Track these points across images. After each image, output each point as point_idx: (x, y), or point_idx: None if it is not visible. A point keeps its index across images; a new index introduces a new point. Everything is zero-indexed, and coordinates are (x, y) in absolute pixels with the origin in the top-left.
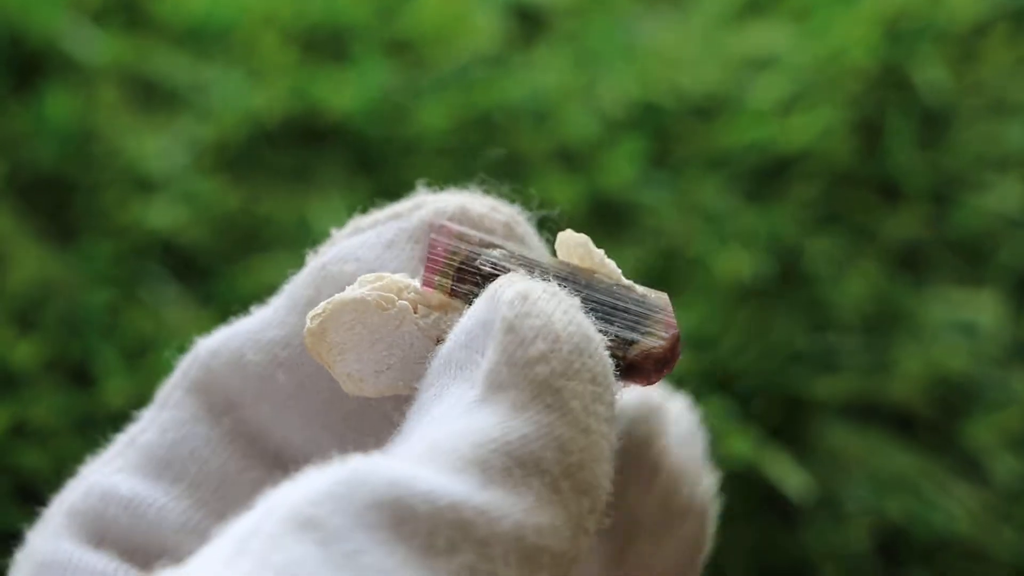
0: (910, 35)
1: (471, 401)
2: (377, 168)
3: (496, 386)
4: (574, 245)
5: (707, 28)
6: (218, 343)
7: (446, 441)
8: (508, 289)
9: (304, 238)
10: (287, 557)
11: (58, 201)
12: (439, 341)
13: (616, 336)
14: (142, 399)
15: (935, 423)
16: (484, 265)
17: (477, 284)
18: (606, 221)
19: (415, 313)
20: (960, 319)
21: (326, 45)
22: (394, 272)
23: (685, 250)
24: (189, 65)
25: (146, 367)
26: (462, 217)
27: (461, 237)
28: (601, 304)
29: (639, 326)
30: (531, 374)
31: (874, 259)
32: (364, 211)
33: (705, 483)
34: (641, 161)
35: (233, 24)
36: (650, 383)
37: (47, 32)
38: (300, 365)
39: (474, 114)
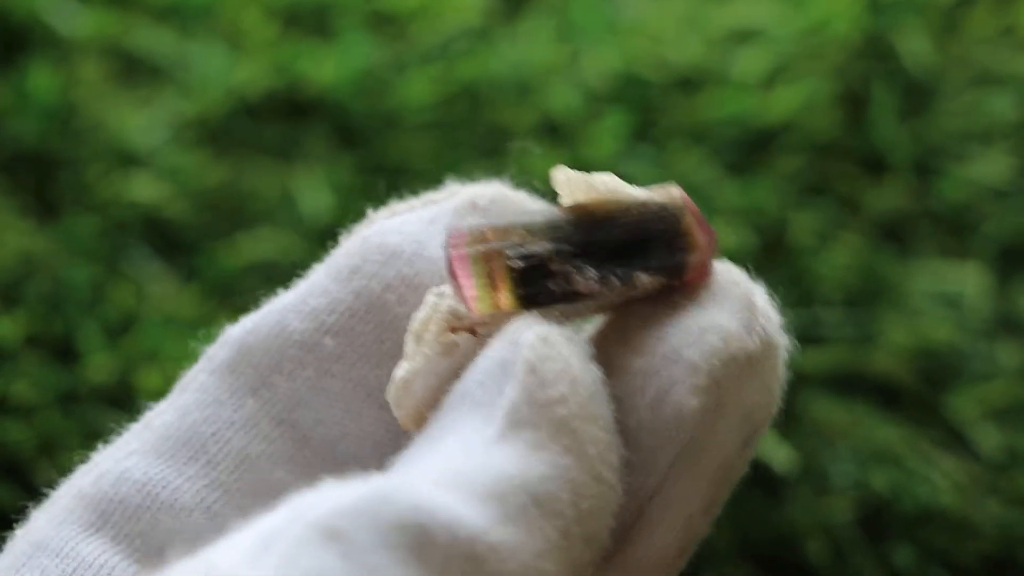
0: (894, 6)
1: (490, 438)
2: (361, 142)
3: (516, 424)
4: (575, 183)
5: (690, 1)
6: (254, 321)
7: (468, 471)
8: (528, 331)
9: (288, 212)
10: (311, 564)
11: (40, 176)
12: None
13: (663, 267)
14: (125, 374)
15: (920, 395)
16: (513, 264)
17: (516, 282)
18: None
19: (475, 336)
20: (945, 291)
21: (309, 19)
22: (440, 248)
23: None
24: (171, 40)
25: (129, 342)
26: (497, 208)
27: (475, 240)
28: (634, 240)
29: (676, 244)
30: (551, 414)
31: (858, 231)
32: (348, 185)
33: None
34: (625, 134)
35: None
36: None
37: (29, 6)
38: (348, 330)
39: (458, 88)
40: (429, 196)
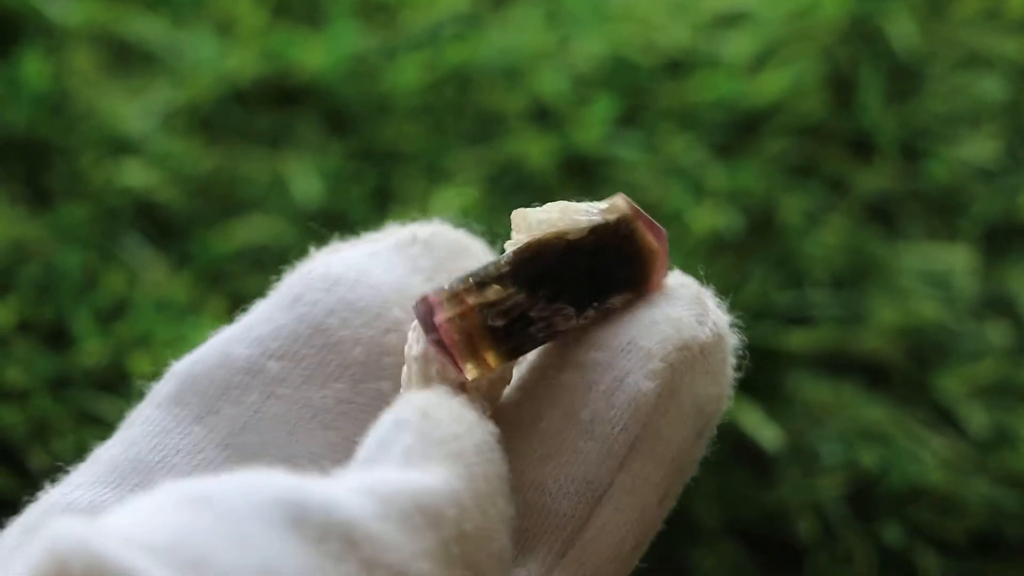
0: None
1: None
2: (351, 128)
3: (410, 460)
4: (529, 223)
5: None
6: (199, 353)
7: (358, 478)
8: (419, 395)
9: (278, 198)
10: (181, 523)
11: (32, 164)
12: (491, 399)
13: (630, 283)
14: (117, 359)
15: (908, 374)
16: (494, 323)
17: (499, 340)
18: (579, 178)
19: (465, 390)
20: (933, 271)
21: (298, 7)
22: (383, 275)
23: (658, 206)
24: (163, 28)
25: (121, 327)
26: (437, 241)
27: (452, 303)
28: (598, 265)
29: (635, 256)
30: (445, 448)
31: (846, 212)
32: (338, 170)
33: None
34: (614, 118)
35: None
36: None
37: None
38: (292, 353)
39: (447, 73)
40: (370, 236)
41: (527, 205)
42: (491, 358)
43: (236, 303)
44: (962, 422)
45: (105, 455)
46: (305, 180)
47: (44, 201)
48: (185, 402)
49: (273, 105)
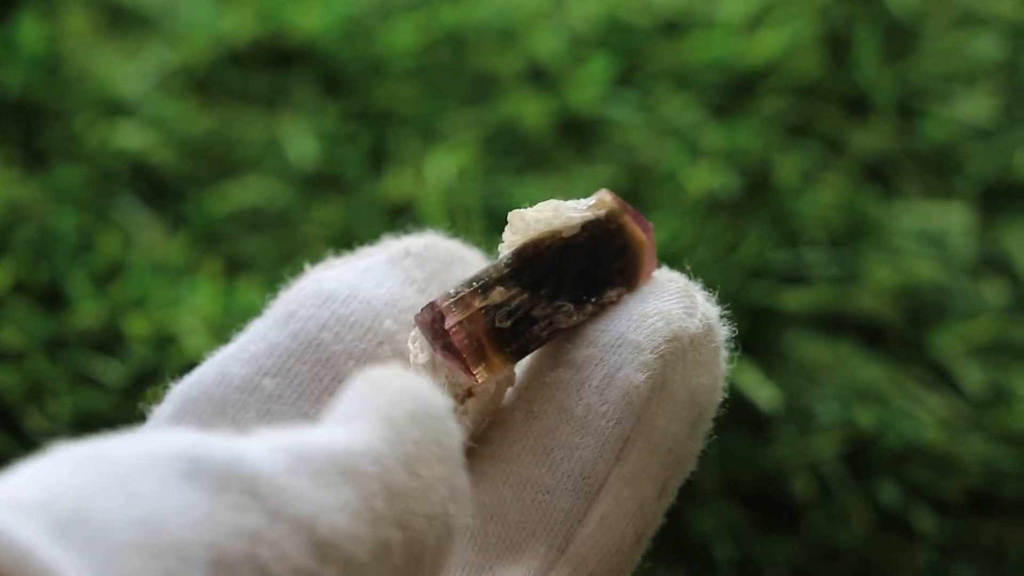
0: None
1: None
2: (346, 89)
3: (345, 417)
4: (523, 224)
5: None
6: (196, 374)
7: (272, 435)
8: (375, 369)
9: (274, 159)
10: (63, 478)
11: (28, 126)
12: (497, 401)
13: (622, 275)
14: (112, 320)
15: (904, 333)
16: (501, 324)
17: (504, 341)
18: (575, 139)
19: (473, 396)
20: (929, 230)
21: None
22: (374, 289)
23: (655, 166)
24: None
25: (116, 289)
26: (430, 253)
27: (460, 309)
28: (592, 262)
29: (625, 249)
30: (379, 411)
31: (842, 172)
32: (333, 132)
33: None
34: (609, 78)
35: None
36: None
37: None
38: (286, 370)
39: (442, 34)
40: (364, 250)
41: (523, 167)
42: (498, 360)
43: (231, 264)
44: (958, 381)
45: None
46: (300, 141)
47: (40, 163)
48: (184, 423)
49: (268, 67)
